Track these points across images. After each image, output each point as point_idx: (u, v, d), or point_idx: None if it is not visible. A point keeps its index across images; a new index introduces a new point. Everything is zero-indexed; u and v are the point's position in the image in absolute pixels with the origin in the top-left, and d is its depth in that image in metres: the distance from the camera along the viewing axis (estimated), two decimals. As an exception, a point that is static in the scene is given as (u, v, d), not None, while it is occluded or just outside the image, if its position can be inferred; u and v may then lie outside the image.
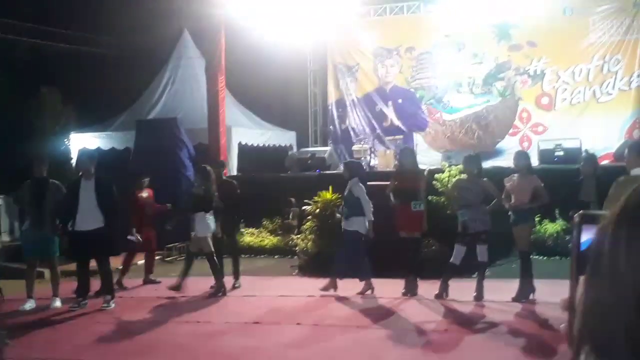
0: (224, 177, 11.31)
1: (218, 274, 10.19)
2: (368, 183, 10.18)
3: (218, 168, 10.93)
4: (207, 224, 10.09)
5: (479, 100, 17.46)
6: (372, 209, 9.59)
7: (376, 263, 9.74)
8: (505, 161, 14.45)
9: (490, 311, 8.56)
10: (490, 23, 17.20)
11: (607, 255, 0.97)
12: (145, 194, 11.51)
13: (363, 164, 14.55)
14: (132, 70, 21.99)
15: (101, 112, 20.02)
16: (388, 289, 9.76)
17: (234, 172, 16.69)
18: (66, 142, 18.55)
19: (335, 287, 9.73)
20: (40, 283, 10.37)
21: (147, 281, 11.36)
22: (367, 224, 9.59)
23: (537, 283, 8.96)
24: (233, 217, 11.02)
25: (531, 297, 8.91)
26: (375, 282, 9.75)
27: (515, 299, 8.90)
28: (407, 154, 10.56)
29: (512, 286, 9.02)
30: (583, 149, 13.79)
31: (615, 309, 0.95)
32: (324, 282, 9.87)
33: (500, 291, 9.09)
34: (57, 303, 9.74)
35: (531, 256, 9.49)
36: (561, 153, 14.40)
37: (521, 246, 9.16)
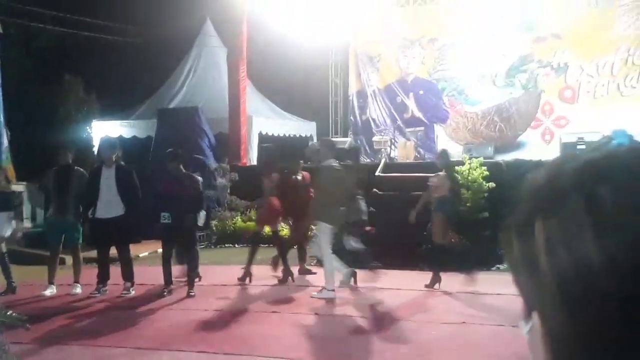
0: (184, 171, 9.71)
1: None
2: (387, 174, 10.28)
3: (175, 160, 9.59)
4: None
5: (502, 92, 17.31)
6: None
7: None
8: (527, 154, 14.35)
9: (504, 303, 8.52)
10: (514, 14, 17.03)
11: None
12: (299, 176, 10.55)
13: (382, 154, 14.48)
14: (155, 59, 22.11)
15: (123, 101, 20.15)
16: (407, 282, 9.80)
17: (254, 162, 16.73)
18: (88, 130, 18.72)
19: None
20: (62, 269, 10.46)
21: (303, 271, 10.73)
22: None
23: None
24: (189, 214, 9.41)
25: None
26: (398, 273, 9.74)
27: None
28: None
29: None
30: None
31: None
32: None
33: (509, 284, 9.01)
34: (78, 289, 9.85)
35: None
36: (583, 147, 14.17)
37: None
